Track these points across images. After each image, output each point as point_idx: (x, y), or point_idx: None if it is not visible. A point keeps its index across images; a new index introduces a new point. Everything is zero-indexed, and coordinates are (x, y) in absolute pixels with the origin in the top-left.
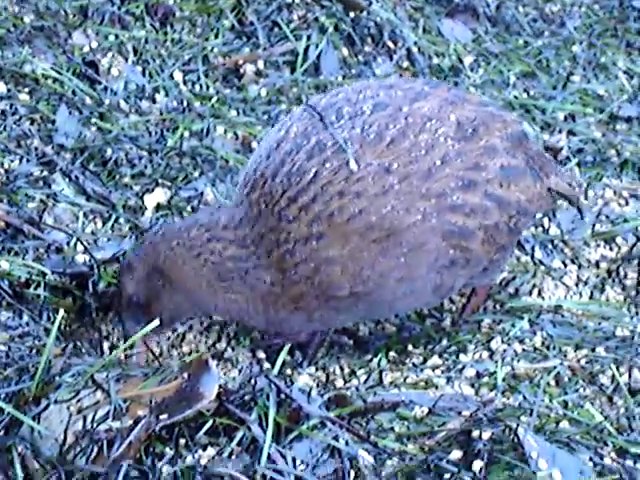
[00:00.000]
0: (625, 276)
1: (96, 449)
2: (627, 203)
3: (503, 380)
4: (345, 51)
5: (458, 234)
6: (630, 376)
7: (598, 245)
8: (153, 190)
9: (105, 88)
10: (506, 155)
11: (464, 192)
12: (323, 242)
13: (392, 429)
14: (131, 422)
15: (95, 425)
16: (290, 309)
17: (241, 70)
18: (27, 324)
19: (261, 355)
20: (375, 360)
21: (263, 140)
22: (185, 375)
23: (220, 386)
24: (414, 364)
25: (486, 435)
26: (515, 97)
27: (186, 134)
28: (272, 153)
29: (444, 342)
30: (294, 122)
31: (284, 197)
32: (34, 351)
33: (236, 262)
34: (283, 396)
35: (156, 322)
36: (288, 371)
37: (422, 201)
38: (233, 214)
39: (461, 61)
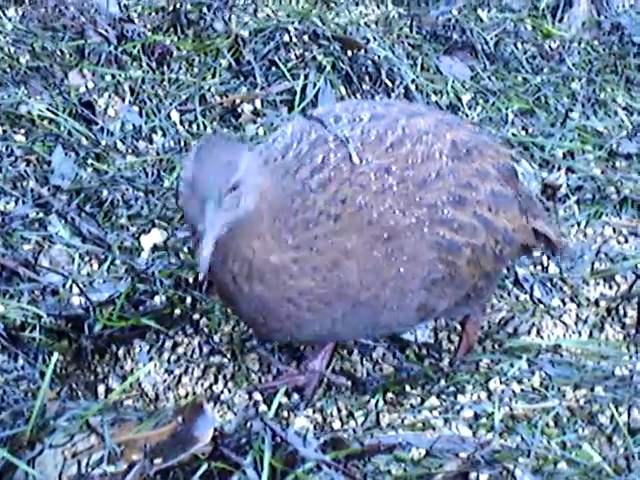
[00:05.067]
0: (625, 314)
1: None
2: (626, 241)
3: (501, 421)
4: (343, 89)
5: (446, 248)
6: (629, 416)
7: (597, 283)
8: (149, 231)
9: (101, 129)
10: (497, 182)
11: (454, 208)
12: (339, 224)
13: (389, 472)
14: (125, 466)
15: (89, 469)
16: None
17: (238, 109)
18: (22, 367)
19: (258, 397)
20: (372, 401)
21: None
22: (180, 419)
23: (215, 429)
24: (412, 405)
25: (483, 477)
26: (513, 134)
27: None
28: (270, 147)
29: (442, 383)
30: (291, 124)
31: (304, 168)
32: (29, 395)
33: None
34: (279, 439)
35: None
36: (285, 413)
37: (416, 208)
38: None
39: (459, 99)
